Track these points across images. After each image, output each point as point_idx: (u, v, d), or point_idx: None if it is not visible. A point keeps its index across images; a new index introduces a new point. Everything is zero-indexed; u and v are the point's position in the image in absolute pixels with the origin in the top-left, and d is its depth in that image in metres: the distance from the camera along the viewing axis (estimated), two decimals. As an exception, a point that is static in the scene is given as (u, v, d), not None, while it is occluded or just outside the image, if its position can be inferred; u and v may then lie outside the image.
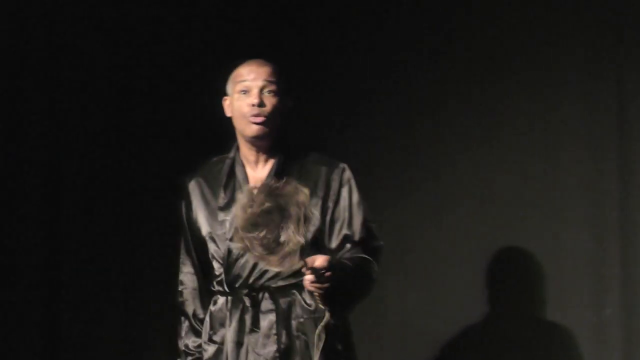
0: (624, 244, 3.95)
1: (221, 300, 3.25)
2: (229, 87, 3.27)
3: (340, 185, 3.21)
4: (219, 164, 3.31)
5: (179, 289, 3.35)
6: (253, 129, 3.18)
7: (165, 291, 3.65)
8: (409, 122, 4.26)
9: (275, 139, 3.23)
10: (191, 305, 3.33)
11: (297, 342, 3.17)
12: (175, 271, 3.36)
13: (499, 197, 4.14)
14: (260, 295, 3.19)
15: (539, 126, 4.11)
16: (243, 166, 3.26)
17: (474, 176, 4.17)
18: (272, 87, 3.20)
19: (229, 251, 3.21)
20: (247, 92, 3.20)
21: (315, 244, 3.12)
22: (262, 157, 3.24)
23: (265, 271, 3.16)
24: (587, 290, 4.00)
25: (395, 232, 4.08)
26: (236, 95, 3.22)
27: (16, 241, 4.35)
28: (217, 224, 3.23)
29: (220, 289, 3.25)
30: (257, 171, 3.24)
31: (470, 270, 4.09)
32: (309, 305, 3.16)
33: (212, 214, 3.26)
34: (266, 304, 3.19)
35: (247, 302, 3.19)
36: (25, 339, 4.34)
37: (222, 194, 3.25)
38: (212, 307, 3.28)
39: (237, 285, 3.21)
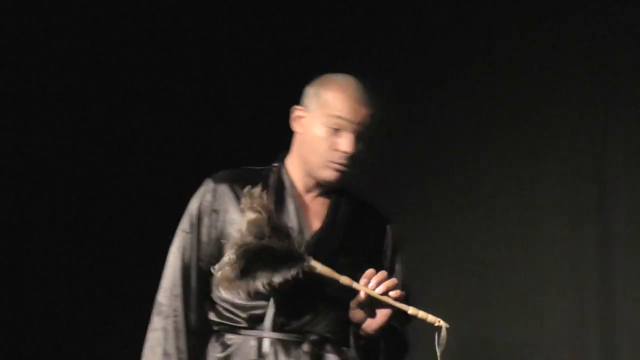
0: (603, 309, 4.01)
1: (248, 342, 2.62)
2: (312, 102, 2.71)
3: (394, 252, 2.80)
4: (257, 174, 2.74)
5: (166, 302, 2.68)
6: (331, 175, 2.67)
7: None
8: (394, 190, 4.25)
9: None
10: (171, 341, 2.65)
11: None
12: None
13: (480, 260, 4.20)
14: (321, 345, 2.63)
15: (523, 195, 4.17)
16: (293, 188, 2.71)
17: (457, 239, 4.22)
18: (365, 132, 2.67)
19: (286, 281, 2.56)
20: (338, 131, 2.66)
21: None
22: (315, 189, 2.72)
23: (329, 317, 2.63)
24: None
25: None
26: (321, 125, 2.66)
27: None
28: None
29: (253, 326, 2.63)
30: (307, 200, 2.72)
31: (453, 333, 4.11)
32: None
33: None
34: (330, 358, 2.64)
35: (306, 349, 2.61)
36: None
37: (273, 215, 2.62)
38: (221, 352, 2.66)
39: (286, 328, 2.61)
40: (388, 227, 2.80)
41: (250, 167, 2.79)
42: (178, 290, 2.67)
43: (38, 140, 4.14)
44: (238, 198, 2.65)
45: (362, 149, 2.67)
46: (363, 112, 2.67)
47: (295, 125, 2.73)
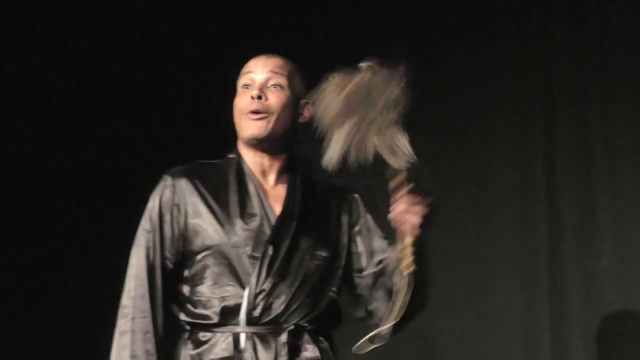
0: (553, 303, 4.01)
1: (223, 339, 2.55)
2: (237, 85, 2.76)
3: (364, 216, 2.76)
4: (214, 167, 2.73)
5: (129, 302, 2.60)
6: (250, 127, 2.65)
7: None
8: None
9: (282, 146, 2.70)
10: (139, 343, 2.57)
11: None
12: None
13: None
14: (298, 336, 2.57)
15: (473, 190, 4.18)
16: (252, 174, 2.69)
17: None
18: (280, 81, 2.68)
19: (259, 271, 2.56)
20: (249, 87, 2.68)
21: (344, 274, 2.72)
22: (272, 169, 2.71)
23: (303, 305, 2.58)
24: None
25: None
26: (239, 91, 2.71)
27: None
28: (233, 235, 2.59)
29: (227, 321, 2.56)
30: (268, 184, 2.70)
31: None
32: None
33: (224, 222, 2.61)
34: (308, 348, 2.58)
35: (284, 342, 2.55)
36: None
37: (236, 203, 2.64)
38: (194, 349, 2.58)
39: (262, 321, 2.55)
40: (354, 197, 2.78)
41: (203, 160, 2.77)
42: (143, 290, 2.60)
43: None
44: (198, 191, 2.65)
45: (282, 99, 2.66)
46: (270, 61, 2.70)
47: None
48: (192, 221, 2.63)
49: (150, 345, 2.57)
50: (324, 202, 2.73)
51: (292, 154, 2.74)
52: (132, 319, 2.58)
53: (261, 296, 2.55)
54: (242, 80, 2.71)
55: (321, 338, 2.61)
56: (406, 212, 2.45)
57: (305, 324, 2.58)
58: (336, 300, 2.68)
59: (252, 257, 2.57)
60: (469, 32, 4.19)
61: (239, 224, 2.60)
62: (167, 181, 2.68)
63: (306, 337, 2.58)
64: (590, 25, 4.03)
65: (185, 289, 2.63)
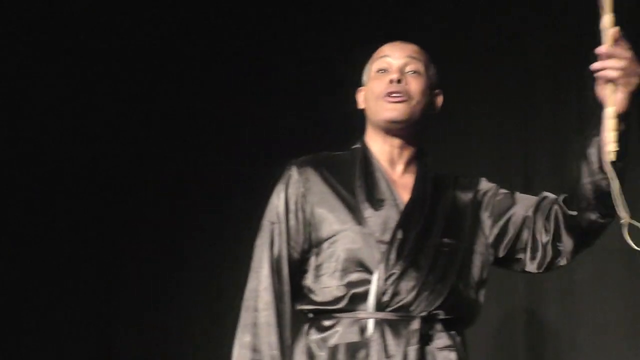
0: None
1: (349, 324, 2.50)
2: (365, 73, 2.73)
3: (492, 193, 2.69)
4: (340, 157, 2.71)
5: (246, 305, 2.58)
6: (389, 109, 2.61)
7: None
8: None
9: (415, 134, 2.66)
10: (263, 336, 2.53)
11: None
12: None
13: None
14: (430, 324, 2.50)
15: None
16: (379, 163, 2.65)
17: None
18: (418, 67, 2.65)
19: (388, 255, 2.51)
20: (386, 71, 2.65)
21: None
22: (401, 158, 2.67)
23: (434, 292, 2.51)
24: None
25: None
26: (373, 75, 2.67)
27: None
28: (361, 220, 2.54)
29: (354, 307, 2.50)
30: (395, 172, 2.65)
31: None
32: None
33: (352, 208, 2.56)
34: (441, 337, 2.51)
35: (415, 330, 2.47)
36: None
37: (364, 189, 2.59)
38: (318, 334, 2.53)
39: (391, 308, 2.48)
40: (481, 180, 2.72)
41: (327, 152, 2.75)
42: (267, 282, 2.57)
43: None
44: (324, 178, 2.62)
45: (420, 86, 2.63)
46: (407, 47, 2.68)
47: (360, 103, 2.73)
48: (319, 209, 2.58)
49: (274, 338, 2.52)
50: (454, 192, 2.68)
51: (422, 145, 2.71)
52: (255, 311, 2.55)
53: (390, 280, 2.48)
54: (376, 65, 2.68)
55: (453, 332, 2.55)
56: (619, 68, 2.30)
57: (438, 312, 2.51)
58: (472, 291, 2.61)
59: (380, 241, 2.52)
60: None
61: (367, 209, 2.55)
62: (292, 171, 2.64)
63: (439, 326, 2.51)
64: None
65: (310, 278, 2.58)
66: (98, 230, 4.55)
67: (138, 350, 4.56)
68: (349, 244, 2.53)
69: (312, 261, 2.59)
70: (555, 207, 2.58)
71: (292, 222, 2.60)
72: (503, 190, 2.70)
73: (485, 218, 2.66)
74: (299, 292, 2.60)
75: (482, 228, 2.65)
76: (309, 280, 2.58)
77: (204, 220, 4.58)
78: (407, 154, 2.67)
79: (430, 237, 2.56)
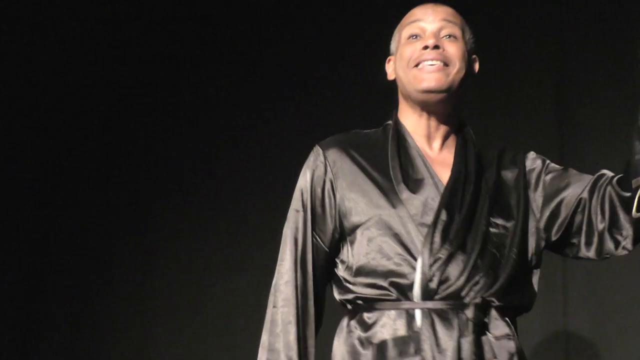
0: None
1: (394, 317, 2.25)
2: (394, 41, 2.47)
3: (541, 170, 2.44)
4: (370, 135, 2.46)
5: (269, 300, 2.40)
6: (426, 79, 2.35)
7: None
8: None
9: (454, 106, 2.41)
10: (280, 335, 2.33)
11: None
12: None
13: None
14: (485, 312, 2.25)
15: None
16: (413, 139, 2.40)
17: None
18: (454, 30, 2.40)
19: (432, 238, 2.26)
20: (418, 37, 2.39)
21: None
22: (438, 133, 2.42)
23: (485, 277, 2.26)
24: None
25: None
26: (403, 42, 2.41)
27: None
28: (398, 203, 2.30)
29: (398, 297, 2.26)
30: (432, 149, 2.41)
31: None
32: (516, 347, 2.28)
33: (386, 190, 2.33)
34: (498, 325, 2.25)
35: (469, 319, 2.21)
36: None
37: (398, 169, 2.34)
38: (362, 331, 2.29)
39: (439, 296, 2.24)
40: (528, 154, 2.46)
41: (360, 130, 2.50)
42: (288, 276, 2.35)
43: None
44: (353, 159, 2.37)
45: (458, 51, 2.37)
46: (441, 9, 2.42)
47: (390, 74, 2.48)
48: (350, 194, 2.35)
49: (292, 337, 2.31)
50: (498, 168, 2.43)
51: (461, 116, 2.46)
52: (274, 308, 2.35)
53: (436, 266, 2.23)
54: (407, 31, 2.41)
55: (507, 319, 2.28)
56: None
57: (492, 298, 2.25)
58: (526, 276, 2.37)
59: (422, 224, 2.27)
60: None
61: (403, 191, 2.30)
62: (318, 153, 2.41)
63: (494, 313, 2.25)
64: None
65: (347, 269, 2.34)
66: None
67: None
68: (386, 229, 2.29)
69: (347, 250, 2.35)
70: (609, 188, 2.32)
71: (319, 209, 2.37)
72: (554, 166, 2.45)
73: (536, 197, 2.40)
74: (337, 284, 2.38)
75: (532, 208, 2.39)
76: (345, 271, 2.34)
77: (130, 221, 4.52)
78: (445, 127, 2.41)
79: (477, 218, 2.31)
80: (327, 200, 2.37)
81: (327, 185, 2.37)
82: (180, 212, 4.45)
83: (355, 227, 2.33)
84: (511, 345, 2.24)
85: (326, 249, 2.37)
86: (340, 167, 2.37)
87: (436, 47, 2.35)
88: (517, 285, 2.32)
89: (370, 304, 2.29)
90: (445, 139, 2.42)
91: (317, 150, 2.41)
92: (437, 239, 2.25)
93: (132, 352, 4.44)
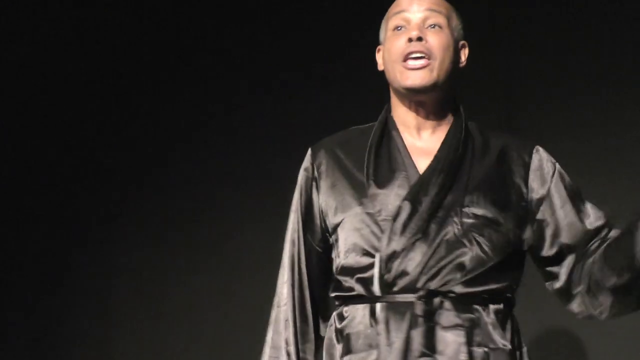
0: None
1: (361, 311, 2.30)
2: (382, 31, 2.44)
3: (547, 179, 2.39)
4: (362, 131, 2.44)
5: (274, 300, 2.48)
6: (410, 76, 2.33)
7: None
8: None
9: (442, 96, 2.37)
10: (280, 333, 2.43)
11: None
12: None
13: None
14: (438, 303, 2.24)
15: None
16: (398, 131, 2.38)
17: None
18: (439, 20, 2.36)
19: (391, 231, 2.26)
20: (403, 28, 2.37)
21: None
22: (428, 123, 2.39)
23: (446, 267, 2.25)
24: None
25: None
26: (389, 35, 2.39)
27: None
28: (367, 201, 2.32)
29: (363, 292, 2.29)
30: (421, 139, 2.39)
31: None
32: (491, 334, 2.28)
33: (357, 191, 2.35)
34: (448, 316, 2.24)
35: (419, 311, 2.21)
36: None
37: (371, 165, 2.35)
38: (339, 324, 2.35)
39: (397, 288, 2.25)
40: (539, 150, 2.41)
41: (358, 126, 2.51)
42: (287, 276, 2.46)
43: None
44: (336, 159, 2.42)
45: (444, 41, 2.35)
46: (425, 1, 2.39)
47: (380, 65, 2.47)
48: (328, 197, 2.40)
49: (290, 334, 2.41)
50: (498, 157, 2.38)
51: (455, 103, 2.42)
52: (276, 308, 2.45)
53: (394, 260, 2.26)
54: (392, 22, 2.39)
55: (477, 307, 2.27)
56: None
57: (451, 289, 2.25)
58: (504, 264, 2.31)
59: (384, 219, 2.29)
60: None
61: (371, 186, 2.33)
62: (308, 154, 2.48)
63: (448, 304, 2.25)
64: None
65: (335, 267, 2.40)
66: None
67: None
68: (351, 228, 2.34)
69: (334, 250, 2.41)
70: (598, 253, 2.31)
71: (308, 210, 2.44)
72: (564, 178, 2.41)
73: (533, 198, 2.38)
74: (331, 281, 2.44)
75: (525, 206, 2.36)
76: (335, 270, 2.41)
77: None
78: (435, 117, 2.40)
79: (445, 207, 2.29)
80: (314, 201, 2.43)
81: (313, 187, 2.43)
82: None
83: (335, 228, 2.38)
84: (460, 336, 2.24)
85: (318, 249, 2.44)
86: (324, 169, 2.42)
87: (419, 39, 2.33)
88: (493, 274, 2.30)
89: (346, 300, 2.35)
90: (435, 127, 2.40)
91: (309, 152, 2.47)
92: (397, 232, 2.27)
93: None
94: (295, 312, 2.42)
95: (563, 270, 2.38)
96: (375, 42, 2.52)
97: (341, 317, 2.35)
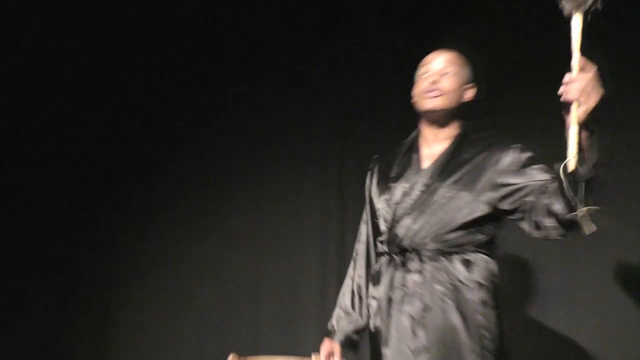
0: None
1: (382, 259, 3.37)
2: (416, 76, 3.41)
3: (522, 162, 3.20)
4: (402, 144, 3.47)
5: (356, 246, 3.57)
6: (428, 102, 3.32)
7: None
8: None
9: (451, 117, 3.34)
10: (359, 265, 3.53)
11: (439, 305, 3.17)
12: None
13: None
14: (411, 256, 3.26)
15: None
16: (419, 143, 3.40)
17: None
18: (450, 70, 3.34)
19: (394, 214, 3.32)
20: (426, 74, 3.35)
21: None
22: (440, 136, 3.37)
23: (418, 234, 3.26)
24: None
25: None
26: (417, 78, 3.39)
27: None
28: (388, 191, 3.35)
29: (382, 249, 3.37)
30: (431, 148, 3.38)
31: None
32: (455, 275, 3.19)
33: (386, 184, 3.38)
34: (414, 264, 3.24)
35: (398, 261, 3.28)
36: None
37: (395, 168, 3.40)
38: (375, 267, 3.41)
39: (393, 246, 3.30)
40: (516, 148, 3.24)
41: (404, 140, 3.51)
42: (357, 249, 3.60)
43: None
44: (380, 170, 3.49)
45: (451, 84, 3.33)
46: (439, 54, 3.39)
47: (413, 99, 3.43)
48: (374, 189, 3.46)
49: (361, 270, 3.55)
50: (483, 154, 3.25)
51: (462, 126, 3.37)
52: (352, 258, 3.62)
53: (395, 227, 3.31)
54: (421, 70, 3.39)
55: (442, 258, 3.21)
56: (579, 89, 2.68)
57: (422, 243, 3.25)
58: (463, 227, 3.21)
59: (395, 203, 3.34)
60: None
61: (390, 183, 3.38)
62: (370, 166, 3.57)
63: (414, 256, 3.26)
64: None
65: (379, 230, 3.44)
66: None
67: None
68: (380, 210, 3.39)
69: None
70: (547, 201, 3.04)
71: (371, 201, 3.47)
72: (524, 161, 3.20)
73: (498, 177, 3.21)
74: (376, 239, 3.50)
75: (492, 184, 3.20)
76: (377, 232, 3.47)
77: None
78: (444, 133, 3.37)
79: (437, 191, 3.26)
80: (370, 192, 3.49)
81: (371, 185, 3.49)
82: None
83: (376, 211, 3.43)
84: (416, 277, 3.24)
85: (375, 221, 3.46)
86: (375, 176, 3.49)
87: (434, 82, 3.34)
88: (466, 234, 3.23)
89: (379, 252, 3.44)
90: (443, 140, 3.38)
91: (371, 162, 3.56)
92: (400, 210, 3.32)
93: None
94: (354, 284, 3.56)
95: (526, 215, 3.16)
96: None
97: (377, 262, 3.44)
